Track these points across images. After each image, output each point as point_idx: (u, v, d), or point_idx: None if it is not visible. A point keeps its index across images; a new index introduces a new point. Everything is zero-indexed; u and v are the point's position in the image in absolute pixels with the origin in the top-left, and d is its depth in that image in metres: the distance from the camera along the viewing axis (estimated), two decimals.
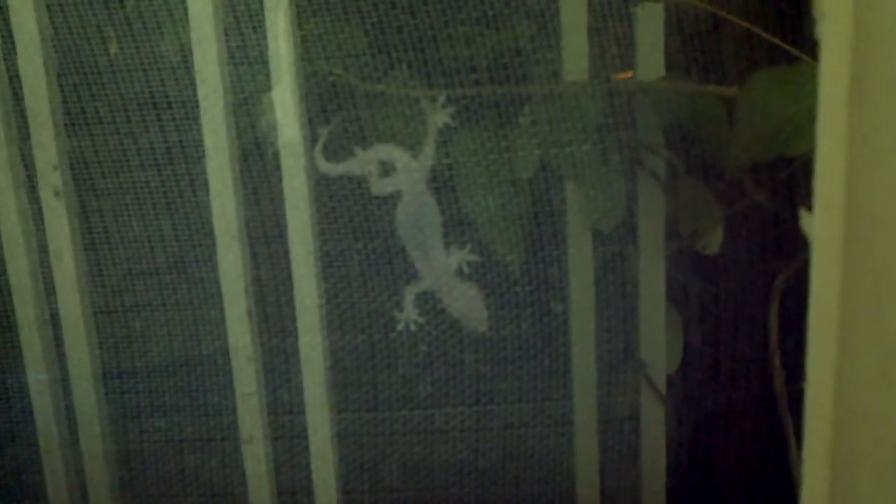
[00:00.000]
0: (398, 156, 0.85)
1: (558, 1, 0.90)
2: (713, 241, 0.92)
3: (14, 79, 0.97)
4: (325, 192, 0.92)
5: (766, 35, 0.77)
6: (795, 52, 0.78)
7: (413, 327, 0.89)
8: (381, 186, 0.86)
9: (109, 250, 1.03)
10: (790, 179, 0.88)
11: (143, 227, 1.02)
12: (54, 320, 1.04)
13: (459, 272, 0.86)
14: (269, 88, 0.92)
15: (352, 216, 0.91)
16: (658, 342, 0.97)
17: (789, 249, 1.00)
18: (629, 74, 0.90)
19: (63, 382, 1.05)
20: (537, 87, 0.91)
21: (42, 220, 0.99)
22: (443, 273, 0.85)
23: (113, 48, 0.94)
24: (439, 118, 0.86)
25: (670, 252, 0.95)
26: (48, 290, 1.03)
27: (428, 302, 0.88)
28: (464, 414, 0.98)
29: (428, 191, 0.85)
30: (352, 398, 1.00)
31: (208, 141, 0.93)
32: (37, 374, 1.05)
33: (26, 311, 1.03)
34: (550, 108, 0.91)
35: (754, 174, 0.86)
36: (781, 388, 0.92)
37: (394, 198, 0.86)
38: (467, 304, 0.86)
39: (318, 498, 1.01)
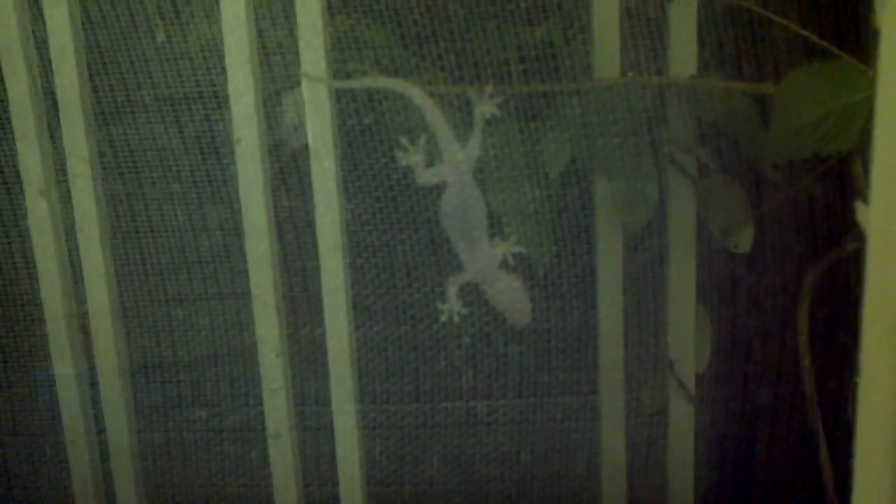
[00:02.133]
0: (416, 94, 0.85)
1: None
2: (744, 240, 0.91)
3: (45, 67, 0.97)
4: (371, 183, 0.92)
5: (803, 31, 0.77)
6: (834, 49, 0.77)
7: (456, 318, 0.88)
8: (426, 177, 0.85)
9: (147, 241, 1.03)
10: (824, 176, 0.88)
11: (171, 220, 1.02)
12: (82, 312, 1.04)
13: (504, 264, 0.86)
14: (298, 83, 0.92)
15: (397, 206, 0.91)
16: (687, 341, 0.97)
17: (819, 247, 1.00)
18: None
19: (90, 375, 1.06)
20: (568, 84, 0.90)
21: (71, 211, 1.00)
22: (487, 265, 0.85)
23: (159, 36, 0.94)
24: (487, 109, 0.86)
25: (701, 250, 0.94)
26: (76, 282, 1.03)
27: (472, 293, 0.88)
28: (506, 406, 0.98)
29: (473, 182, 0.85)
30: (394, 389, 1.00)
31: (238, 133, 0.93)
32: (63, 367, 1.05)
33: (54, 303, 1.03)
34: (581, 104, 0.90)
35: (787, 172, 0.86)
36: (811, 387, 0.92)
37: (439, 188, 0.86)
38: (511, 297, 0.86)
39: (343, 491, 1.01)
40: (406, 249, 0.93)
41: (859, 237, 0.90)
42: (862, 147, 0.80)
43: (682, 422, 0.99)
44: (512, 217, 0.89)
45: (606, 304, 0.96)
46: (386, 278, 0.95)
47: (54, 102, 0.97)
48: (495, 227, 0.88)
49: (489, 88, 0.86)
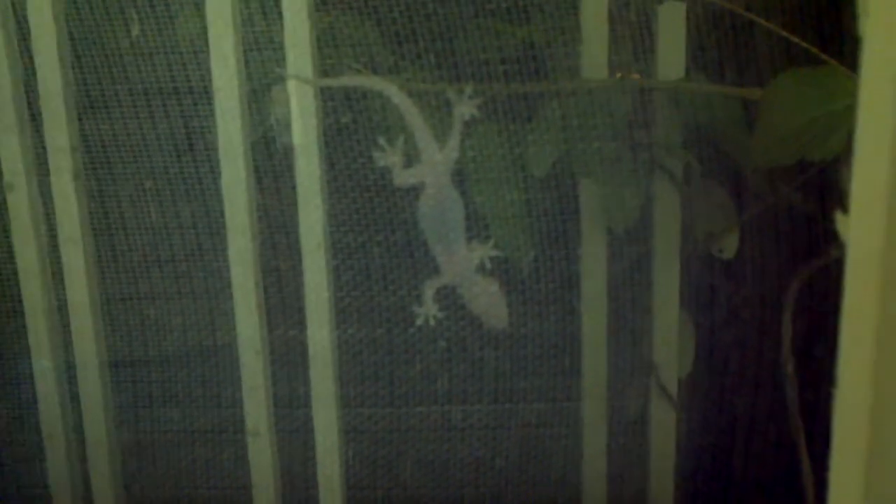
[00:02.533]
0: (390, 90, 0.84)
1: None
2: (729, 246, 0.91)
3: (27, 61, 0.96)
4: (347, 183, 0.91)
5: (791, 37, 0.76)
6: (820, 54, 0.77)
7: (432, 322, 0.88)
8: (404, 177, 0.85)
9: (119, 238, 1.02)
10: (808, 182, 0.87)
11: (153, 215, 1.02)
12: (61, 307, 1.03)
13: (481, 268, 0.85)
14: (281, 79, 0.91)
15: (374, 207, 0.90)
16: (671, 345, 0.96)
17: (803, 254, 1.00)
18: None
19: (69, 370, 1.05)
20: (555, 83, 0.90)
21: (52, 205, 0.99)
22: (464, 268, 0.84)
23: (135, 30, 0.93)
24: (466, 110, 0.85)
25: (685, 255, 0.94)
26: (56, 276, 1.02)
27: (448, 297, 0.88)
28: (481, 412, 0.97)
29: (452, 184, 0.84)
30: (368, 393, 0.99)
31: (221, 130, 0.93)
32: (42, 361, 1.04)
33: (34, 296, 1.02)
34: (568, 105, 0.90)
35: (772, 177, 0.85)
36: (793, 395, 0.92)
37: (417, 189, 0.85)
38: (488, 301, 0.85)
39: (323, 492, 1.00)
40: (383, 251, 0.92)
41: (841, 246, 0.90)
42: (847, 154, 0.80)
43: (664, 427, 0.99)
44: (492, 219, 0.89)
45: (590, 308, 0.96)
46: (362, 280, 0.94)
47: (35, 95, 0.95)
48: (474, 230, 0.87)
49: (468, 89, 0.86)
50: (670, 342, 0.97)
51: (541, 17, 0.91)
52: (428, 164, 0.84)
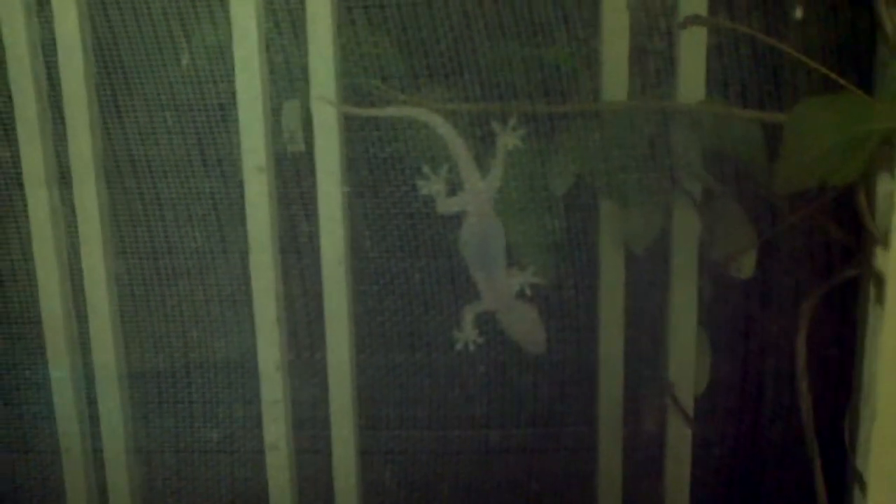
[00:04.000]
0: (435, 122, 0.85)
1: (600, 20, 0.90)
2: (747, 266, 0.92)
3: (51, 69, 0.97)
4: (391, 210, 0.93)
5: (813, 64, 0.77)
6: (840, 80, 0.78)
7: (472, 347, 0.89)
8: (447, 205, 0.86)
9: (141, 248, 1.03)
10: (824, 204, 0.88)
11: (176, 226, 1.02)
12: (80, 315, 1.03)
13: (521, 294, 0.86)
14: (304, 97, 0.92)
15: (416, 234, 0.91)
16: (687, 364, 0.97)
17: (819, 272, 1.00)
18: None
19: (87, 380, 1.05)
20: (576, 105, 0.91)
21: (73, 213, 0.99)
22: (504, 294, 0.85)
23: (185, 59, 0.94)
24: (509, 140, 0.87)
25: (703, 274, 0.95)
26: (75, 284, 1.03)
27: (488, 323, 0.88)
28: (519, 435, 0.97)
29: (493, 212, 0.85)
30: (407, 416, 0.99)
31: (245, 148, 0.94)
32: (60, 371, 1.04)
33: (52, 304, 1.02)
34: (588, 126, 0.91)
35: (791, 199, 0.86)
36: (808, 414, 0.92)
37: (459, 217, 0.86)
38: (526, 326, 0.86)
39: None
40: (424, 277, 0.93)
41: (859, 264, 0.91)
42: (865, 176, 0.81)
43: (680, 444, 0.99)
44: (527, 247, 0.90)
45: (608, 326, 0.97)
46: (403, 305, 0.95)
47: (60, 102, 0.96)
48: (513, 257, 0.88)
49: (513, 120, 0.87)
50: (687, 361, 0.97)
51: (563, 39, 0.92)
52: (471, 193, 0.85)
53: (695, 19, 0.81)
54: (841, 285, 0.92)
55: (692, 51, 0.88)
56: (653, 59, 0.90)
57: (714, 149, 0.87)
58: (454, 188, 0.87)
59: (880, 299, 0.80)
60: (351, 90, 0.92)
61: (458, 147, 0.85)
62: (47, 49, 0.96)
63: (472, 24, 0.93)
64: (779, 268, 1.00)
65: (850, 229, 0.94)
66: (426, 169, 0.87)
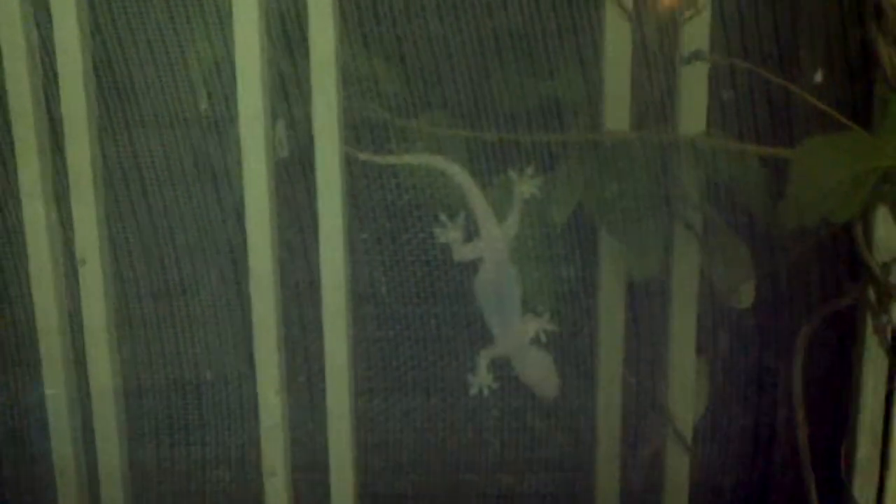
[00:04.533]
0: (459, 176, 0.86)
1: (602, 51, 0.91)
2: (746, 296, 0.93)
3: (48, 83, 0.96)
4: (407, 257, 0.94)
5: (816, 102, 0.78)
6: (841, 118, 0.79)
7: (486, 392, 0.89)
8: (463, 252, 0.87)
9: (138, 264, 1.02)
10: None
11: (175, 244, 1.02)
12: (75, 333, 1.02)
13: (535, 340, 0.87)
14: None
15: (433, 280, 0.92)
16: (686, 392, 0.98)
17: (813, 302, 1.01)
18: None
19: (81, 398, 1.04)
20: (578, 136, 0.92)
21: (71, 227, 0.98)
22: (518, 340, 0.86)
23: (203, 104, 0.94)
24: (526, 189, 0.88)
25: (702, 303, 0.96)
26: (72, 299, 1.02)
27: (502, 367, 0.89)
28: (531, 480, 0.98)
29: (509, 259, 0.86)
30: (420, 460, 1.00)
31: (246, 170, 0.94)
32: (54, 388, 1.03)
33: (48, 318, 1.01)
34: (590, 156, 0.91)
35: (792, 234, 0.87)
36: (805, 444, 0.93)
37: (475, 263, 0.87)
38: (540, 372, 0.87)
39: None
40: (440, 322, 0.93)
41: (854, 292, 0.92)
42: (864, 211, 0.82)
43: (678, 471, 1.00)
44: (541, 293, 0.90)
45: (606, 353, 0.97)
46: (419, 350, 0.96)
47: (57, 116, 0.96)
48: (529, 304, 0.88)
49: (530, 169, 0.88)
50: (686, 389, 0.98)
51: (565, 70, 0.93)
52: (487, 240, 0.86)
53: (697, 55, 0.82)
54: (838, 313, 0.93)
55: (693, 83, 0.89)
56: (654, 91, 0.90)
57: (715, 181, 0.88)
58: (470, 234, 0.87)
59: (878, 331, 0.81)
60: (367, 130, 0.93)
61: (475, 195, 0.86)
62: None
63: (472, 53, 0.94)
64: (776, 295, 1.01)
65: (845, 258, 0.95)
66: (443, 217, 0.87)
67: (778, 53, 0.89)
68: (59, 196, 0.99)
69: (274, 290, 0.97)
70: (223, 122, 0.96)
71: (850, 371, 0.99)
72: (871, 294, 0.88)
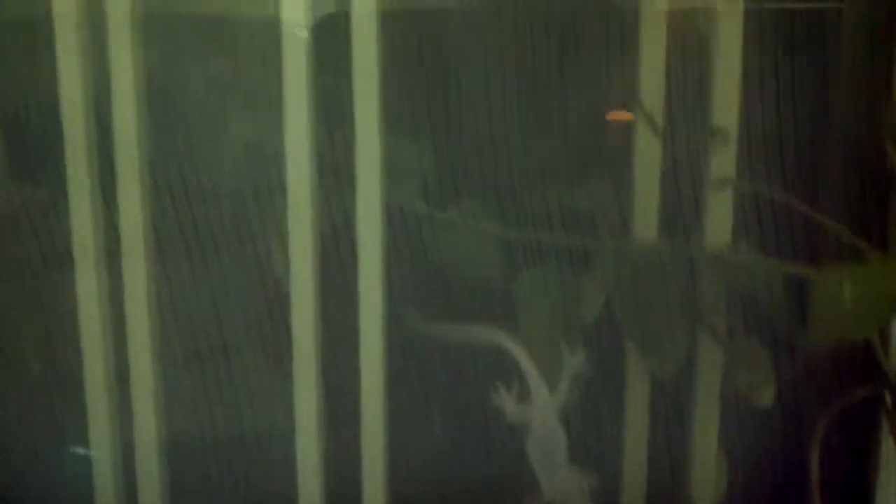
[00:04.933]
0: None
1: (633, 160, 0.96)
2: (766, 395, 0.97)
3: (103, 139, 0.99)
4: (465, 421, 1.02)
5: (839, 227, 0.83)
6: (861, 242, 0.84)
7: None
8: (516, 416, 0.92)
9: (182, 314, 1.06)
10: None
11: (217, 297, 1.06)
12: (122, 388, 1.04)
13: (581, 490, 0.92)
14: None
15: (488, 437, 0.99)
16: (708, 483, 1.02)
17: (829, 397, 1.05)
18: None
19: (125, 457, 1.06)
20: (607, 243, 0.97)
21: (120, 284, 1.01)
22: (564, 489, 0.91)
23: None
24: (576, 365, 0.93)
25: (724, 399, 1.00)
26: (119, 358, 1.03)
27: None
28: None
29: (558, 422, 0.91)
30: None
31: (292, 233, 0.98)
32: (100, 446, 1.04)
33: (95, 377, 1.03)
34: (619, 261, 0.96)
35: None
36: None
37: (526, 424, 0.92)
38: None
39: None
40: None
41: (869, 385, 0.96)
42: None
43: None
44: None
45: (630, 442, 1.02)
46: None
47: (110, 170, 0.98)
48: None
49: (580, 351, 0.95)
50: (707, 479, 1.02)
51: (596, 176, 0.99)
52: (538, 406, 0.91)
53: (725, 183, 0.87)
54: (853, 406, 0.97)
55: (719, 198, 0.94)
56: (682, 202, 0.95)
57: (739, 292, 0.93)
58: (522, 398, 0.93)
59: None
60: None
61: (528, 366, 0.92)
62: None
63: (504, 152, 0.99)
64: (795, 390, 1.05)
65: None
66: (499, 385, 0.93)
67: (802, 177, 0.94)
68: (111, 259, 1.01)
69: (314, 349, 1.01)
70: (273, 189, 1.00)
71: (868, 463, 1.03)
72: (888, 399, 0.93)
